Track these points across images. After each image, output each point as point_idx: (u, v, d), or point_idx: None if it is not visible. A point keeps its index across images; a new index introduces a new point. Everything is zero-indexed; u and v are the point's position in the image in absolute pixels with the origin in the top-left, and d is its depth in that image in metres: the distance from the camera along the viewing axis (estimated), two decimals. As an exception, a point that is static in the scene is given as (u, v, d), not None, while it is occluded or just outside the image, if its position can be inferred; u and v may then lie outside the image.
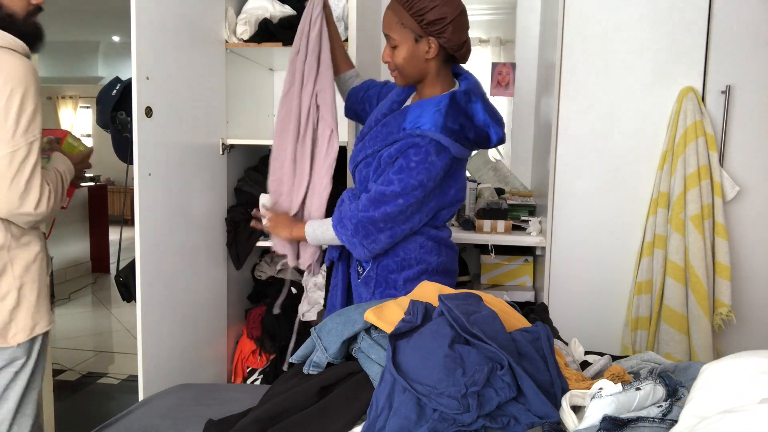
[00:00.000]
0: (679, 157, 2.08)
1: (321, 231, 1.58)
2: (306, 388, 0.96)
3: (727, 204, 2.10)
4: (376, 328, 0.99)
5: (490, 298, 1.08)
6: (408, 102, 1.59)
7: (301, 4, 2.32)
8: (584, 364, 1.07)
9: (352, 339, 1.01)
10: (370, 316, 0.97)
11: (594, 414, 0.72)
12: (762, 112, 2.07)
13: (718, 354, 2.12)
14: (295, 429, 0.89)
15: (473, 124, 1.45)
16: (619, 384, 0.76)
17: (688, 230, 2.06)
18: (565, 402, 0.79)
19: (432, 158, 1.40)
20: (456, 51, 1.45)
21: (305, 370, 1.02)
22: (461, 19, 1.42)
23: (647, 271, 2.15)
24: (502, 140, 1.51)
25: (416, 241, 1.53)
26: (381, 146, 1.48)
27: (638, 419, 0.71)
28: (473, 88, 1.49)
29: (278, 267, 2.52)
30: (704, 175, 2.06)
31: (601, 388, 0.76)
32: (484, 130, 1.46)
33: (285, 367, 2.25)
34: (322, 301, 2.36)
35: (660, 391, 0.76)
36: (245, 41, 2.24)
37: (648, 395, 0.75)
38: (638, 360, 1.04)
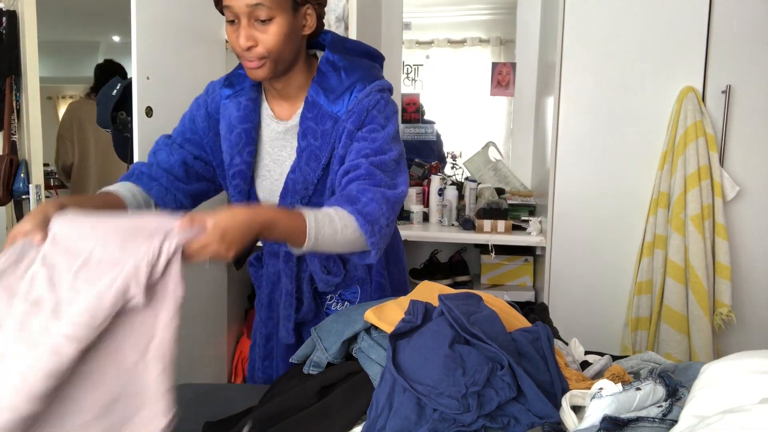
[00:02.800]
0: (680, 157, 2.08)
1: (333, 230, 0.99)
2: (306, 388, 0.95)
3: (727, 204, 2.10)
4: (376, 328, 0.99)
5: (490, 298, 1.08)
6: (267, 108, 1.19)
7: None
8: (584, 364, 1.07)
9: (352, 339, 1.01)
10: (370, 316, 0.97)
11: (594, 414, 0.72)
12: (762, 112, 2.07)
13: (718, 354, 2.12)
14: (295, 429, 0.89)
15: None
16: (619, 384, 0.76)
17: (688, 230, 2.06)
18: (565, 402, 0.79)
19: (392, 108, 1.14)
20: (320, 21, 1.15)
21: (305, 370, 1.02)
22: None
23: (647, 271, 2.15)
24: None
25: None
26: (323, 165, 1.12)
27: (638, 419, 0.71)
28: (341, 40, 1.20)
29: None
30: (704, 175, 2.06)
31: (601, 388, 0.76)
32: None
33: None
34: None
35: (660, 391, 0.76)
36: (245, 41, 2.24)
37: (648, 395, 0.75)
38: (638, 360, 1.04)
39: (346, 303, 1.28)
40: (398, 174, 1.11)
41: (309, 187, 1.15)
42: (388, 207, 1.05)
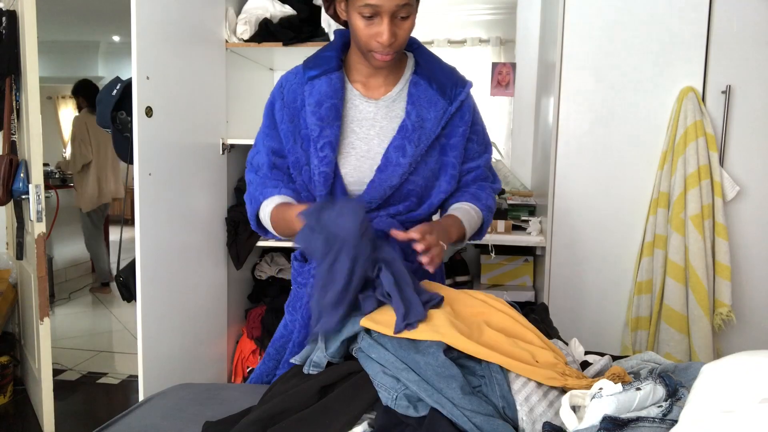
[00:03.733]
0: (680, 157, 2.08)
1: (472, 222, 1.26)
2: (306, 388, 0.96)
3: (727, 204, 2.10)
4: None
5: (490, 299, 1.08)
6: (353, 89, 1.25)
7: (301, 5, 2.33)
8: (584, 365, 1.07)
9: (352, 339, 1.01)
10: (366, 322, 0.97)
11: (594, 414, 0.72)
12: (762, 112, 2.07)
13: (718, 354, 2.12)
14: (295, 429, 0.89)
15: None
16: (619, 384, 0.76)
17: (688, 230, 2.06)
18: (566, 401, 0.79)
19: None
20: None
21: (305, 370, 1.02)
22: None
23: (647, 271, 2.15)
24: None
25: None
26: (426, 141, 1.21)
27: (638, 419, 0.71)
28: None
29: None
30: (704, 175, 2.06)
31: (601, 388, 0.76)
32: None
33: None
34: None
35: (660, 391, 0.76)
36: (245, 41, 2.24)
37: (648, 395, 0.75)
38: (638, 360, 1.04)
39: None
40: (494, 170, 1.38)
41: (412, 162, 1.20)
42: (494, 199, 1.35)
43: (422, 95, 1.22)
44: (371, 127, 1.23)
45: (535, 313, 1.33)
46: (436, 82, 1.23)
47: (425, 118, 1.21)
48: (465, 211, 1.25)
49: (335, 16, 1.24)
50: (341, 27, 1.31)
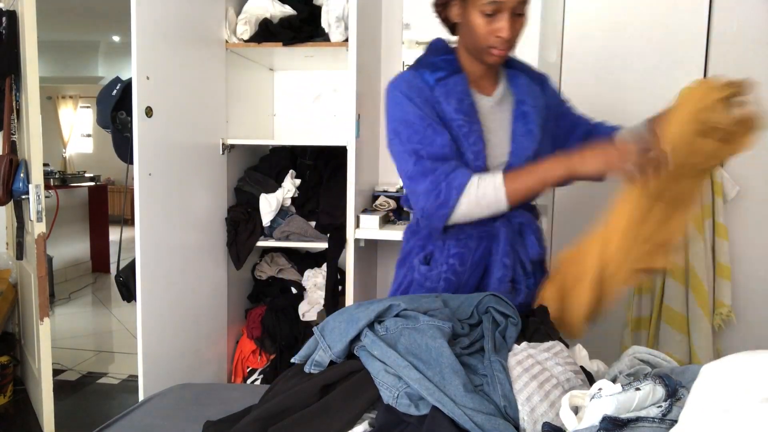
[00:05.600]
0: (679, 157, 2.08)
1: None
2: (307, 387, 0.95)
3: (727, 204, 2.10)
4: (380, 323, 1.00)
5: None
6: (470, 88, 1.31)
7: (301, 5, 2.33)
8: (586, 374, 1.06)
9: (355, 338, 1.01)
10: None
11: (594, 414, 0.72)
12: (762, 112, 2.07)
13: (718, 354, 2.12)
14: (296, 428, 0.89)
15: None
16: (619, 384, 0.76)
17: (688, 230, 2.06)
18: (565, 402, 0.79)
19: None
20: None
21: (307, 369, 1.01)
22: None
23: (647, 271, 2.14)
24: None
25: None
26: (543, 122, 1.34)
27: (638, 419, 0.71)
28: None
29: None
30: (704, 175, 2.06)
31: (600, 389, 0.76)
32: None
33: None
34: (322, 302, 2.36)
35: (660, 391, 0.76)
36: (245, 41, 2.24)
37: (647, 395, 0.75)
38: (629, 359, 1.03)
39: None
40: None
41: (536, 143, 1.30)
42: None
43: (524, 84, 1.34)
44: (493, 120, 1.31)
45: (536, 315, 1.32)
46: (527, 73, 1.37)
47: (532, 104, 1.32)
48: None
49: (445, 21, 1.32)
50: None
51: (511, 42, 1.21)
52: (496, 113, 1.31)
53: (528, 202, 1.35)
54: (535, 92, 1.35)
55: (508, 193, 1.20)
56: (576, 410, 0.79)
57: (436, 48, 1.33)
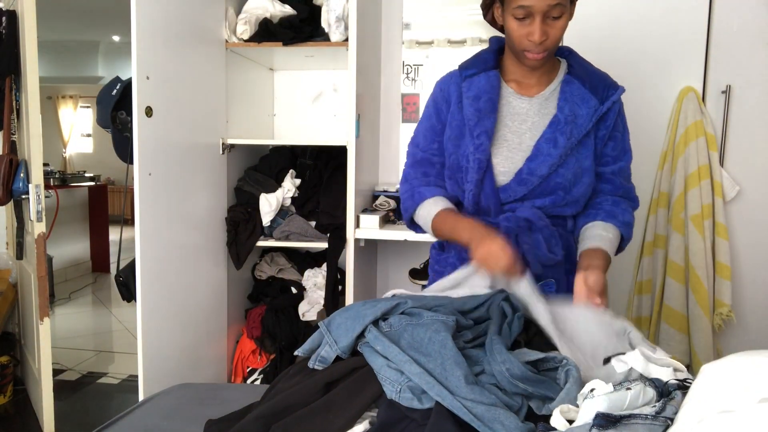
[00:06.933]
0: (680, 157, 2.08)
1: (613, 245, 1.31)
2: (310, 384, 0.95)
3: (727, 204, 2.10)
4: (384, 320, 1.00)
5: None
6: (507, 87, 1.33)
7: (301, 5, 2.33)
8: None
9: (360, 334, 1.00)
10: None
11: (587, 414, 0.73)
12: (762, 112, 2.07)
13: (718, 354, 2.13)
14: (299, 424, 0.89)
15: None
16: (610, 384, 0.76)
17: (688, 230, 2.06)
18: (557, 412, 0.79)
19: None
20: None
21: (311, 364, 1.01)
22: None
23: (647, 271, 2.15)
24: None
25: None
26: (578, 135, 1.27)
27: (631, 416, 0.71)
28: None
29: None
30: (704, 175, 2.06)
31: (592, 389, 0.76)
32: None
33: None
34: (322, 302, 2.36)
35: (650, 392, 0.77)
36: (245, 41, 2.24)
37: (638, 395, 0.75)
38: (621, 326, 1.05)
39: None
40: (631, 180, 1.39)
41: (562, 154, 1.25)
42: (632, 213, 1.37)
43: (575, 93, 1.28)
44: (523, 122, 1.30)
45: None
46: (589, 83, 1.29)
47: (578, 114, 1.26)
48: (606, 240, 1.28)
49: (492, 22, 1.34)
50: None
51: (545, 46, 1.19)
52: (532, 116, 1.30)
53: (553, 206, 1.30)
54: (588, 103, 1.28)
55: (432, 227, 1.33)
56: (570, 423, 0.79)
57: (487, 47, 1.38)
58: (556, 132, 1.26)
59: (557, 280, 1.30)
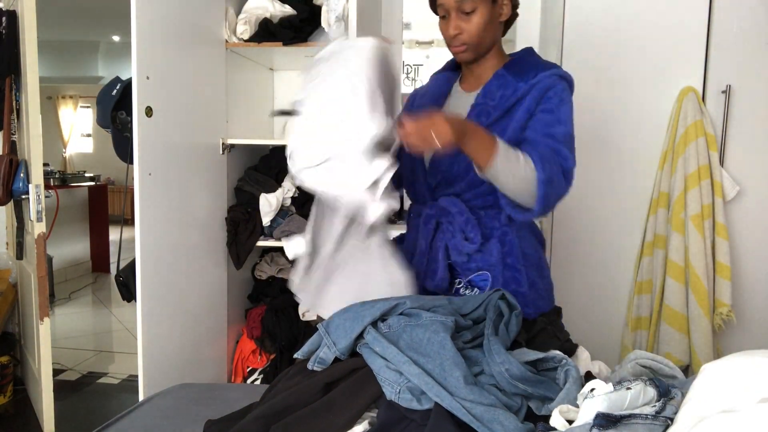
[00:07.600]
0: (680, 157, 2.08)
1: (517, 161, 1.11)
2: (310, 384, 0.95)
3: (728, 204, 2.10)
4: (383, 321, 1.00)
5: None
6: (457, 84, 1.39)
7: (301, 5, 2.33)
8: (588, 376, 1.06)
9: (359, 336, 1.00)
10: None
11: (587, 414, 0.73)
12: (762, 112, 2.07)
13: (718, 354, 2.12)
14: (299, 425, 0.89)
15: None
16: (610, 384, 0.76)
17: (688, 230, 2.06)
18: (556, 412, 0.79)
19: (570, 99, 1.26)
20: (514, 11, 1.34)
21: (310, 366, 1.01)
22: None
23: (647, 271, 2.15)
24: None
25: None
26: (499, 114, 1.25)
27: (631, 416, 0.71)
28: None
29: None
30: (704, 175, 2.06)
31: (592, 389, 0.76)
32: None
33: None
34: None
35: (650, 392, 0.76)
36: (245, 41, 2.24)
37: (638, 395, 0.75)
38: (632, 364, 1.03)
39: (475, 290, 1.30)
40: (570, 149, 1.19)
41: None
42: (561, 173, 1.15)
43: (500, 81, 1.30)
44: (463, 114, 1.34)
45: (546, 316, 1.31)
46: (519, 71, 1.29)
47: (494, 97, 1.29)
48: (510, 147, 1.13)
49: None
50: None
51: (461, 40, 1.26)
52: (468, 109, 1.34)
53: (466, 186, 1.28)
54: (506, 86, 1.26)
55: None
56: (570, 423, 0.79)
57: None
58: (474, 116, 1.30)
59: (494, 276, 1.28)
